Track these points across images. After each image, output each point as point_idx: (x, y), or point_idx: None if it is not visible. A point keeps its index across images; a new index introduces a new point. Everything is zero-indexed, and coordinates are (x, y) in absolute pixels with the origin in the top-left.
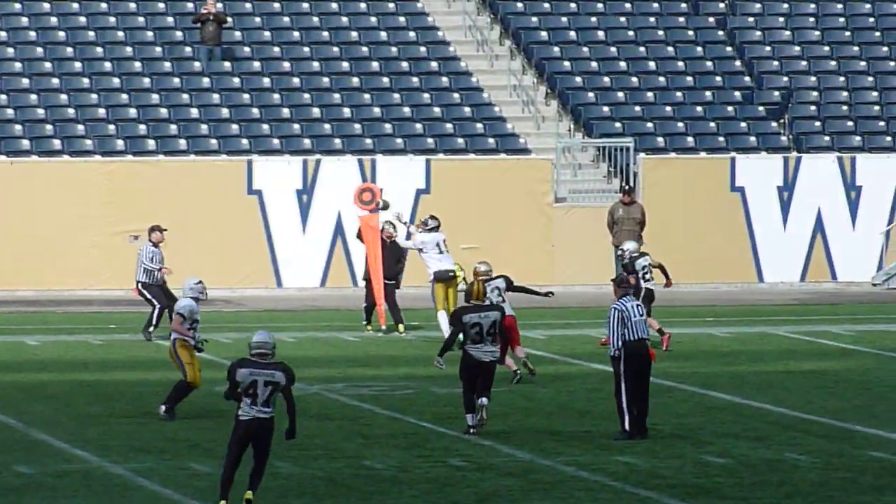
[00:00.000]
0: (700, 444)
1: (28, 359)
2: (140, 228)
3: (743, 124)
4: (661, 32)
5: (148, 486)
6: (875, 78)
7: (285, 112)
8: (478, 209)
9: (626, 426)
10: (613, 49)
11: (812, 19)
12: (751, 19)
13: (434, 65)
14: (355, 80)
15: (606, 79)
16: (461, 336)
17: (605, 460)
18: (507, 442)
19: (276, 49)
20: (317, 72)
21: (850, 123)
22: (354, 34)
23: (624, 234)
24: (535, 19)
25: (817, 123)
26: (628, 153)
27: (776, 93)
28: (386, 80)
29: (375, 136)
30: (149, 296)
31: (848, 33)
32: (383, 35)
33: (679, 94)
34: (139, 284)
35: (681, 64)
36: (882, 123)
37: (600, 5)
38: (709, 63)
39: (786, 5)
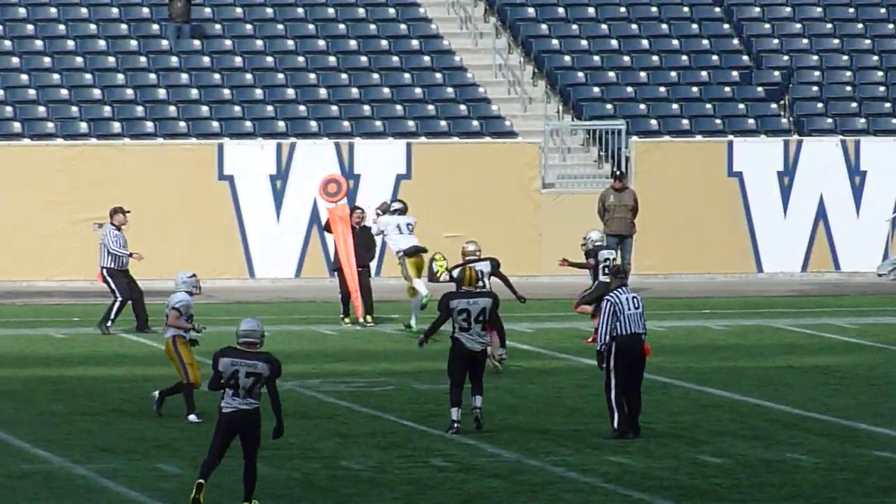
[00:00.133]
0: (696, 443)
1: None
2: (105, 217)
3: (741, 106)
4: (654, 9)
5: (113, 487)
6: (880, 57)
7: (258, 93)
8: (461, 196)
9: (616, 424)
10: (604, 27)
11: None
12: None
13: (415, 43)
14: (332, 60)
15: (597, 58)
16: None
17: (596, 460)
18: (492, 441)
19: (249, 26)
20: (291, 51)
21: (854, 105)
22: (331, 11)
23: (616, 221)
24: None
25: (819, 105)
26: (620, 136)
27: (776, 72)
28: (364, 59)
29: (353, 118)
30: (113, 285)
31: (852, 10)
32: (361, 12)
33: (673, 73)
34: (104, 270)
35: (675, 42)
36: (888, 105)
37: None
38: (705, 41)
39: None
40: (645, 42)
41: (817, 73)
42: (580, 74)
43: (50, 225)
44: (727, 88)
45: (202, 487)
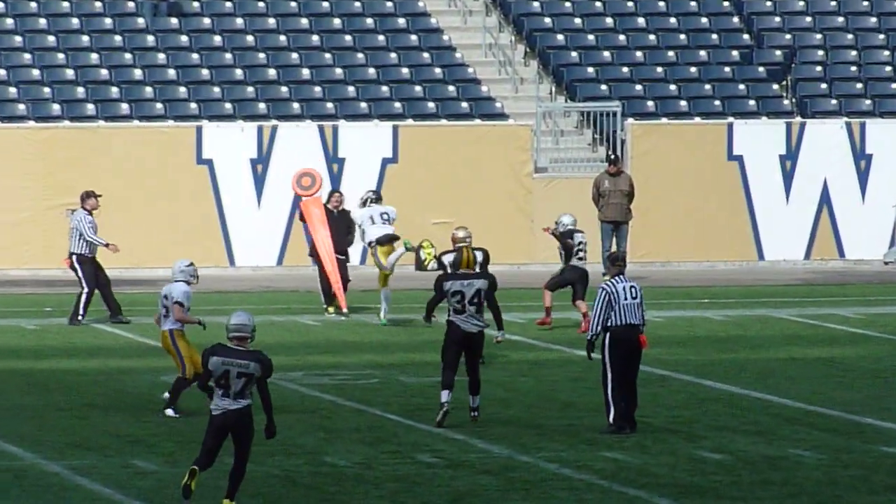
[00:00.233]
0: (694, 438)
1: None
2: (78, 202)
3: (741, 87)
4: None
5: (87, 485)
6: (887, 35)
7: (238, 73)
8: (450, 180)
9: (612, 419)
10: (599, 4)
11: None
12: None
13: (402, 22)
14: (315, 39)
15: (591, 37)
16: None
17: (590, 456)
18: (482, 436)
19: (229, 4)
20: (273, 29)
21: (860, 85)
22: None
23: (611, 207)
24: None
25: (823, 85)
26: (615, 119)
27: (778, 52)
28: (349, 38)
29: (337, 99)
30: (80, 273)
31: None
32: None
33: (671, 53)
34: (74, 257)
35: (673, 20)
36: (894, 85)
37: None
38: (704, 19)
39: None
40: (641, 20)
41: (821, 52)
42: (574, 54)
43: (20, 211)
44: (727, 68)
45: (195, 474)
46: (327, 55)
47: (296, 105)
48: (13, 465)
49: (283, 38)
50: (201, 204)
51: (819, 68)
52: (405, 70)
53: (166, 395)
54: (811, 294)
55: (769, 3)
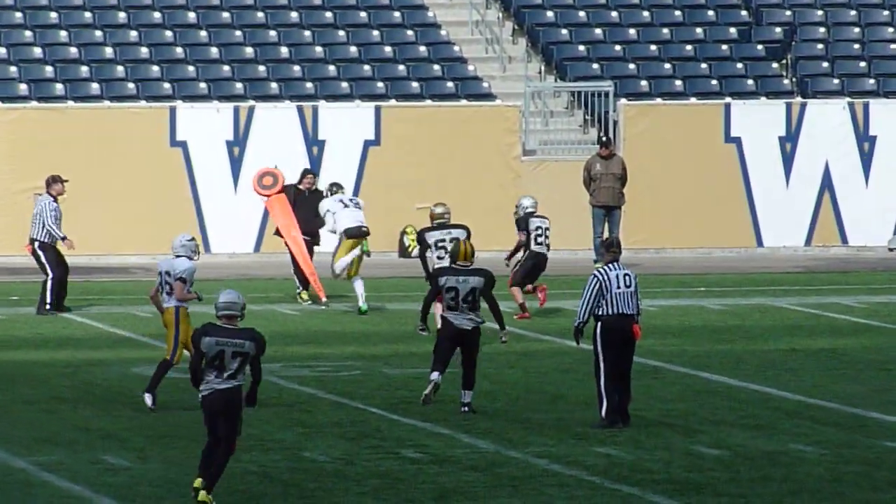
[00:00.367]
0: (690, 433)
1: None
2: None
3: (739, 65)
4: None
5: (55, 482)
6: (891, 12)
7: (214, 52)
8: (435, 163)
9: (604, 412)
10: None
11: None
12: None
13: None
14: (294, 16)
15: (582, 13)
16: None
17: (581, 452)
18: (468, 431)
19: None
20: (250, 6)
21: (863, 64)
22: None
23: (603, 191)
24: None
25: (825, 64)
26: (607, 99)
27: (777, 29)
28: (329, 15)
29: (317, 79)
30: (44, 259)
31: None
32: None
33: (666, 30)
34: (35, 243)
35: None
36: None
37: None
38: None
39: None
40: None
41: (822, 29)
42: (564, 31)
43: None
44: (724, 46)
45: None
46: (307, 32)
47: (274, 85)
48: None
49: (260, 14)
50: (175, 188)
51: (820, 46)
52: (388, 48)
53: (146, 397)
54: (812, 282)
55: None
